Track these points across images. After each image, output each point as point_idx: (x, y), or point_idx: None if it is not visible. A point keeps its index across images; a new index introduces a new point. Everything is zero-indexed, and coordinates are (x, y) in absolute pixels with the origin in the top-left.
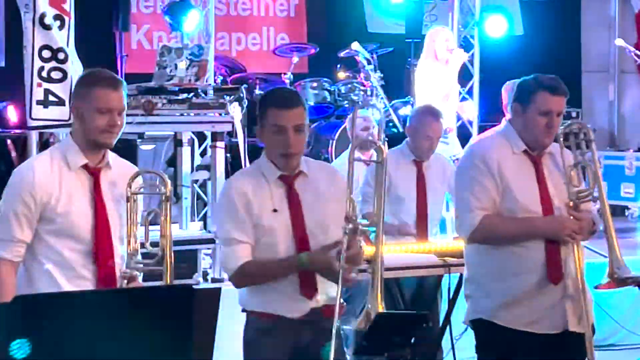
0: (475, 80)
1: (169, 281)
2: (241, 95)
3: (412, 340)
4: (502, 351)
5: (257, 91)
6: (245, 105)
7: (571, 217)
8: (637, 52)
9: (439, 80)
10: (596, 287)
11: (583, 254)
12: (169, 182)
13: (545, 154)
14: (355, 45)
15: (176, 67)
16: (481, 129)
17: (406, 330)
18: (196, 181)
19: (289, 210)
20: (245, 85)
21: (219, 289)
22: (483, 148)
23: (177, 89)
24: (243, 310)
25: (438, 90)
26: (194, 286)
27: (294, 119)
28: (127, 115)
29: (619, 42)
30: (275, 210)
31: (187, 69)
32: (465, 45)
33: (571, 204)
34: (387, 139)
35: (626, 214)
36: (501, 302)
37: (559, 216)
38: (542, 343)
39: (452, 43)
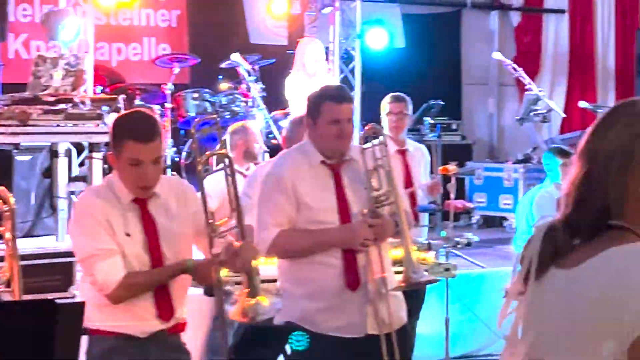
0: (357, 92)
1: (18, 296)
2: (119, 105)
3: (288, 352)
4: (312, 355)
5: (137, 101)
6: None
7: (366, 224)
8: (514, 65)
9: (307, 92)
10: (392, 290)
11: (388, 258)
12: (9, 197)
13: (345, 162)
14: (235, 57)
15: (51, 77)
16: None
17: (278, 342)
18: (72, 192)
19: (144, 234)
20: (123, 96)
21: (83, 303)
22: (277, 166)
23: (53, 99)
24: (85, 331)
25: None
26: (58, 300)
27: (152, 152)
28: (1, 125)
29: (497, 55)
30: (128, 235)
31: (62, 78)
32: (347, 57)
33: (365, 211)
34: (267, 150)
35: (504, 224)
36: (308, 308)
37: (351, 225)
38: (349, 346)
39: (322, 55)
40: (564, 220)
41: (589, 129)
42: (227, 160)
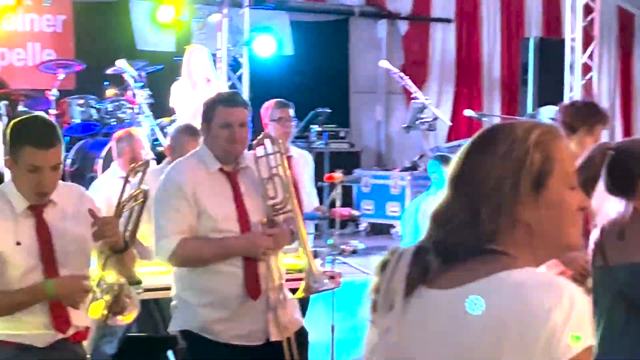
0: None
1: None
2: (1, 112)
3: None
4: None
5: (21, 107)
6: (5, 122)
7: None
8: (401, 74)
9: (196, 99)
10: (294, 297)
11: (282, 267)
12: None
13: (241, 169)
14: (120, 63)
15: None
16: (250, 148)
17: (156, 352)
18: None
19: (38, 243)
20: (6, 102)
21: None
22: (176, 172)
23: None
24: None
25: (195, 108)
26: None
27: (52, 159)
28: None
29: (384, 63)
30: (18, 244)
31: None
32: (235, 65)
33: (264, 220)
34: (154, 157)
35: (391, 232)
36: (207, 317)
37: (252, 234)
38: (250, 354)
39: (208, 62)
40: (435, 242)
41: (463, 151)
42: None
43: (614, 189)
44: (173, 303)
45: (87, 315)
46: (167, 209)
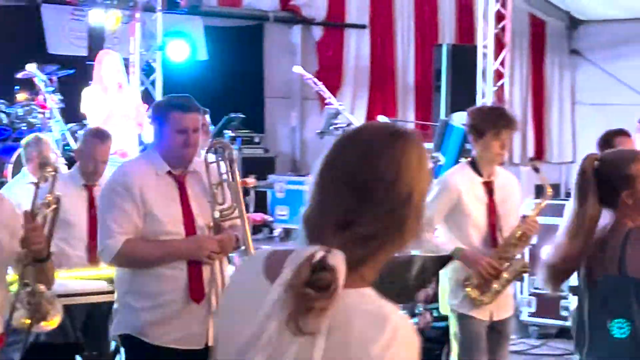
0: None
1: None
2: None
3: None
4: None
5: None
6: None
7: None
8: (314, 79)
9: (107, 104)
10: None
11: (225, 272)
12: None
13: (190, 173)
14: (30, 67)
15: None
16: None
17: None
18: None
19: None
20: None
21: None
22: (124, 173)
23: None
24: None
25: (106, 113)
26: None
27: None
28: None
29: (297, 69)
30: None
31: None
32: (148, 69)
33: (211, 224)
34: (65, 162)
35: None
36: (148, 320)
37: (198, 237)
38: (187, 358)
39: (120, 67)
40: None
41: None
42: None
43: (601, 200)
44: (115, 307)
45: (11, 322)
46: (114, 209)
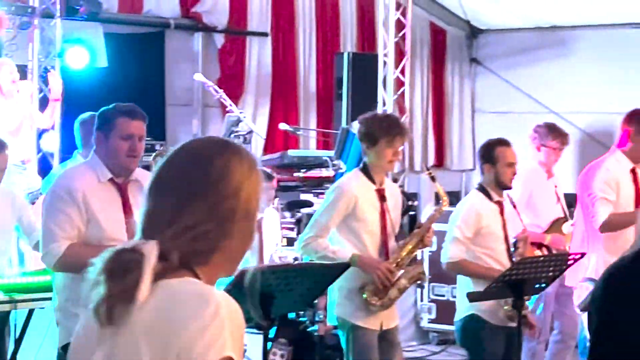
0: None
1: None
2: None
3: None
4: None
5: None
6: None
7: None
8: (215, 87)
9: (5, 113)
10: None
11: None
12: None
13: (132, 181)
14: None
15: None
16: (63, 160)
17: None
18: None
19: None
20: None
21: None
22: (67, 179)
23: None
24: None
25: (5, 123)
26: None
27: None
28: None
29: (198, 77)
30: None
31: None
32: (46, 76)
33: None
34: None
35: None
36: None
37: None
38: None
39: (16, 74)
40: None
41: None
42: None
43: None
44: (56, 317)
45: None
46: (57, 214)
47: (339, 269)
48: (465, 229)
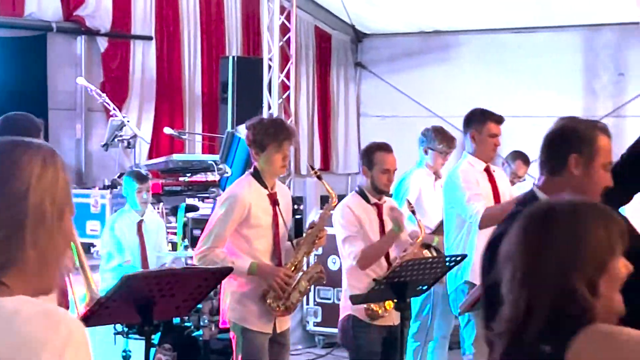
0: None
1: None
2: None
3: None
4: None
5: None
6: None
7: None
8: (98, 91)
9: None
10: None
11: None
12: None
13: None
14: None
15: None
16: None
17: None
18: None
19: None
20: None
21: None
22: None
23: None
24: None
25: None
26: None
27: None
28: None
29: (81, 80)
30: None
31: None
32: None
33: None
34: None
35: (92, 251)
36: None
37: None
38: None
39: None
40: None
41: None
42: None
43: None
44: None
45: None
46: None
47: (221, 273)
48: (350, 225)
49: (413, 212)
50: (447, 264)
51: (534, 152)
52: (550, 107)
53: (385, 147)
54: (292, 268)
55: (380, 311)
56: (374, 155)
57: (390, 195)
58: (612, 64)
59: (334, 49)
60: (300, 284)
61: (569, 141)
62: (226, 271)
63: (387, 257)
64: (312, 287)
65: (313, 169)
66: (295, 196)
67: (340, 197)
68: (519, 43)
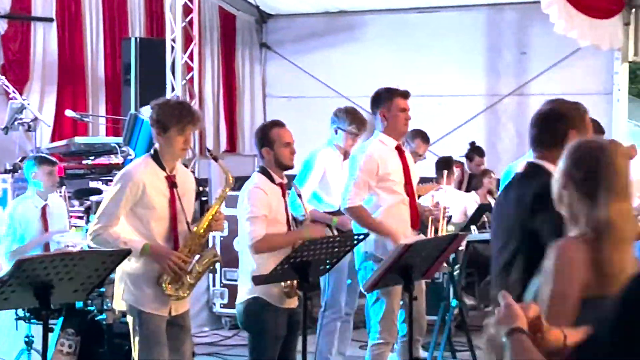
0: None
1: None
2: None
3: None
4: None
5: None
6: None
7: None
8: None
9: None
10: None
11: None
12: None
13: None
14: None
15: None
16: None
17: None
18: None
19: None
20: None
21: None
22: None
23: None
24: None
25: None
26: None
27: None
28: None
29: None
30: None
31: None
32: None
33: None
34: None
35: None
36: None
37: None
38: None
39: None
40: None
41: None
42: None
43: None
44: None
45: None
46: None
47: (119, 256)
48: (260, 207)
49: (299, 195)
50: (353, 241)
51: (440, 131)
52: (455, 86)
53: (279, 123)
54: (187, 251)
55: (293, 290)
56: (271, 132)
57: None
58: (515, 43)
59: (238, 29)
60: (195, 268)
61: (567, 119)
62: (124, 253)
63: None
64: (219, 269)
65: (209, 150)
66: (200, 178)
67: (247, 179)
68: (424, 23)
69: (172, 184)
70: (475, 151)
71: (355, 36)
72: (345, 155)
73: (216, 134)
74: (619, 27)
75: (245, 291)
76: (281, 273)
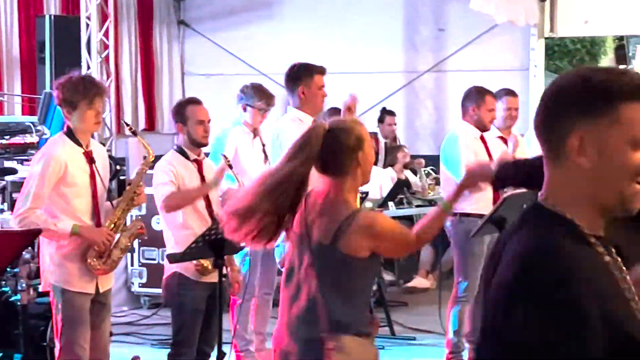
0: None
1: None
2: None
3: None
4: None
5: None
6: None
7: None
8: None
9: None
10: None
11: None
12: None
13: None
14: None
15: None
16: None
17: None
18: None
19: None
20: None
21: None
22: None
23: None
24: None
25: None
26: None
27: None
28: None
29: None
30: None
31: None
32: None
33: None
34: None
35: None
36: None
37: None
38: None
39: None
40: None
41: None
42: None
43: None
44: None
45: None
46: None
47: (29, 235)
48: (165, 174)
49: (230, 166)
50: None
51: (359, 108)
52: (373, 63)
53: (195, 100)
54: (112, 226)
55: (209, 266)
56: (186, 109)
57: (207, 155)
58: (432, 19)
59: (155, 6)
60: (121, 241)
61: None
62: (35, 233)
63: (211, 214)
64: (137, 248)
65: (127, 125)
66: (117, 157)
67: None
68: None
69: (90, 159)
70: (385, 112)
71: (273, 13)
72: (255, 132)
73: (134, 112)
74: (534, 3)
75: (167, 268)
76: (196, 251)
